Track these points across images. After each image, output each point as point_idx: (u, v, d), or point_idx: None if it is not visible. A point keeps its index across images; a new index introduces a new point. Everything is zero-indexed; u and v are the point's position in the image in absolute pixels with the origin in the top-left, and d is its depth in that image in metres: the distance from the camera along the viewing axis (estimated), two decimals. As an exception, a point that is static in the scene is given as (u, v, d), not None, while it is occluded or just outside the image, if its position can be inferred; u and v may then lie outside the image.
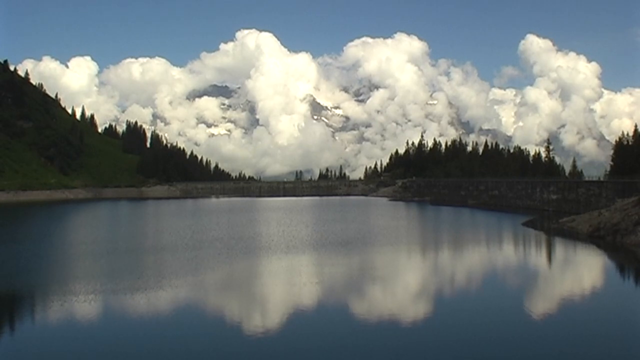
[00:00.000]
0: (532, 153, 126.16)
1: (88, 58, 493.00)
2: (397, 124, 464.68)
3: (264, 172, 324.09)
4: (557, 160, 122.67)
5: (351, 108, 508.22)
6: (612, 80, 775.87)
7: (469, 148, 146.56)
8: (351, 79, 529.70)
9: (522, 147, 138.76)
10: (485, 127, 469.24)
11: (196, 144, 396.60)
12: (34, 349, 17.24)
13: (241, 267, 31.32)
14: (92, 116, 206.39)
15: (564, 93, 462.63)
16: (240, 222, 60.45)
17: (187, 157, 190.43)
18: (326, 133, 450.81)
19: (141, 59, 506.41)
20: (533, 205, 77.14)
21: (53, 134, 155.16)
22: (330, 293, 24.91)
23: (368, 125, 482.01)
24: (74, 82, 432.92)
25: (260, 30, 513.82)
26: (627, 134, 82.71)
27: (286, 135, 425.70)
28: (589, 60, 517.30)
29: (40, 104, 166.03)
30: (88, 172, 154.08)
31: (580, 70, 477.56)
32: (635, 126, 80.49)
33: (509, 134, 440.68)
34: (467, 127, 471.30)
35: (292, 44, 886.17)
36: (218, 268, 30.81)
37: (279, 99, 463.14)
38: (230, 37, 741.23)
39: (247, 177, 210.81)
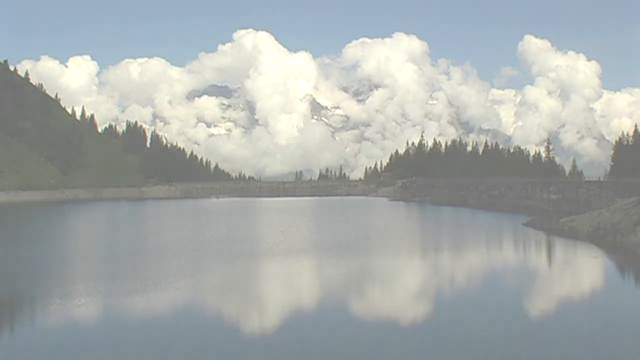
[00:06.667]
0: (532, 153, 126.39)
1: (87, 57, 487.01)
2: (396, 123, 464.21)
3: (263, 172, 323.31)
4: (557, 160, 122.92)
5: (351, 108, 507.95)
6: (612, 79, 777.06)
7: (469, 148, 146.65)
8: (351, 79, 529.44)
9: (522, 147, 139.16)
10: (485, 127, 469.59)
11: (196, 143, 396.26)
12: (34, 349, 17.28)
13: (241, 269, 31.30)
14: (92, 116, 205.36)
15: (563, 92, 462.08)
16: (240, 223, 60.45)
17: (187, 157, 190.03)
18: (326, 133, 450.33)
19: (140, 59, 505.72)
20: (533, 205, 77.10)
21: (53, 134, 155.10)
22: (331, 295, 24.96)
23: (368, 125, 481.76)
24: (74, 81, 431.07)
25: (257, 30, 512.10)
26: (627, 134, 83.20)
27: (286, 135, 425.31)
28: (589, 59, 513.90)
29: (40, 104, 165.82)
30: (88, 172, 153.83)
31: (580, 69, 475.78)
32: (635, 126, 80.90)
33: (508, 133, 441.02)
34: (466, 126, 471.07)
35: (291, 44, 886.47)
36: (218, 270, 30.87)
37: (279, 99, 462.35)
38: (229, 38, 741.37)
39: (246, 177, 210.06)
